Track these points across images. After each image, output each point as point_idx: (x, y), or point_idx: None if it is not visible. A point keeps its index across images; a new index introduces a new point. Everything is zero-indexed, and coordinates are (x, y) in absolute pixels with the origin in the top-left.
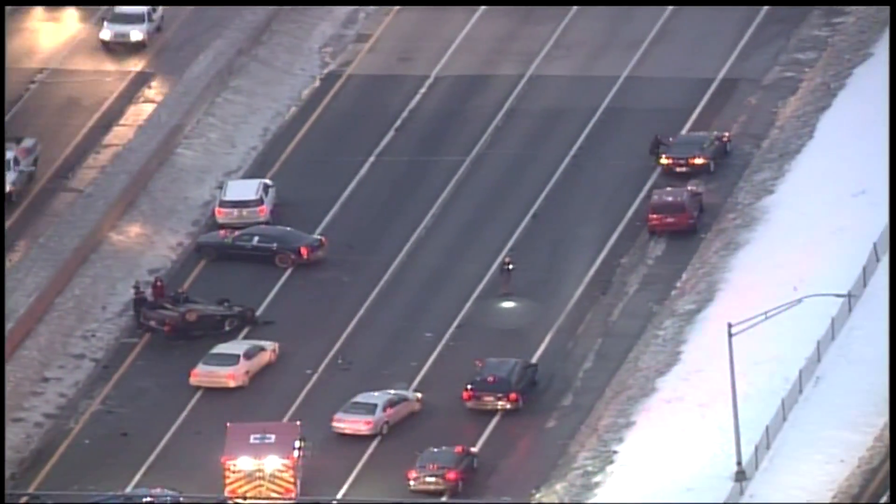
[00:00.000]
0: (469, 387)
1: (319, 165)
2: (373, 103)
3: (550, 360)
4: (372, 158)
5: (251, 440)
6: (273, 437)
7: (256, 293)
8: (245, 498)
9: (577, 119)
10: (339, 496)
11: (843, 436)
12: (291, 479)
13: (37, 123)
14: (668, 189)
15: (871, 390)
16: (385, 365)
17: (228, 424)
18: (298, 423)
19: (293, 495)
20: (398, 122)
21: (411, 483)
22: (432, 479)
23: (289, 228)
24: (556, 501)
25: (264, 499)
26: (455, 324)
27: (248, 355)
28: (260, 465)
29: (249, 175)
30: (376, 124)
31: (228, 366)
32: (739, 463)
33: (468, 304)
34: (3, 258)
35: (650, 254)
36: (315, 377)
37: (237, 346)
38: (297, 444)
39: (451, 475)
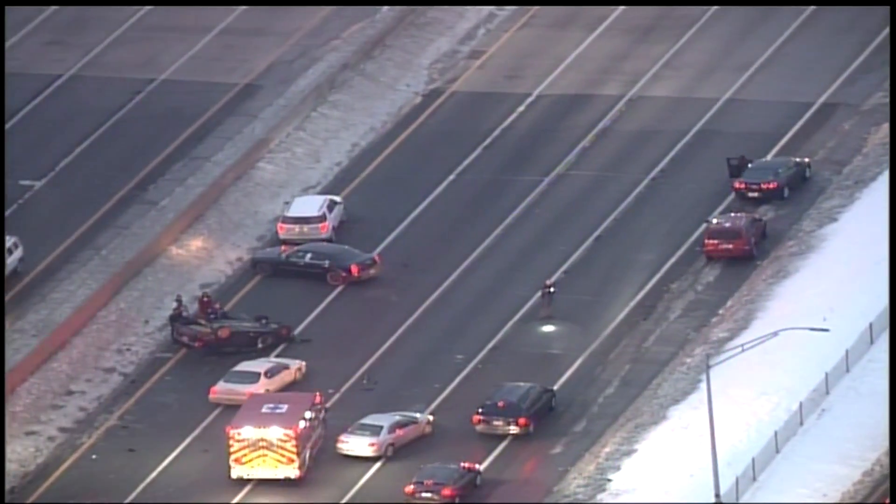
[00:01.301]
0: (479, 411)
1: (398, 182)
2: (468, 121)
3: (575, 385)
4: (452, 176)
5: (263, 409)
6: (285, 406)
7: (304, 310)
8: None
9: (666, 141)
10: None
11: (833, 470)
12: (294, 450)
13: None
14: (728, 215)
15: (872, 424)
16: (409, 386)
17: (250, 394)
18: (317, 393)
19: (296, 465)
20: (488, 141)
21: (407, 498)
22: (428, 495)
23: (345, 246)
24: None
25: (268, 468)
26: (489, 346)
27: (270, 373)
28: (263, 434)
29: (327, 191)
30: (466, 142)
31: (248, 384)
32: (717, 495)
33: (506, 327)
34: (3, 260)
35: (701, 280)
36: (336, 397)
37: (260, 364)
38: (307, 414)
39: (447, 491)
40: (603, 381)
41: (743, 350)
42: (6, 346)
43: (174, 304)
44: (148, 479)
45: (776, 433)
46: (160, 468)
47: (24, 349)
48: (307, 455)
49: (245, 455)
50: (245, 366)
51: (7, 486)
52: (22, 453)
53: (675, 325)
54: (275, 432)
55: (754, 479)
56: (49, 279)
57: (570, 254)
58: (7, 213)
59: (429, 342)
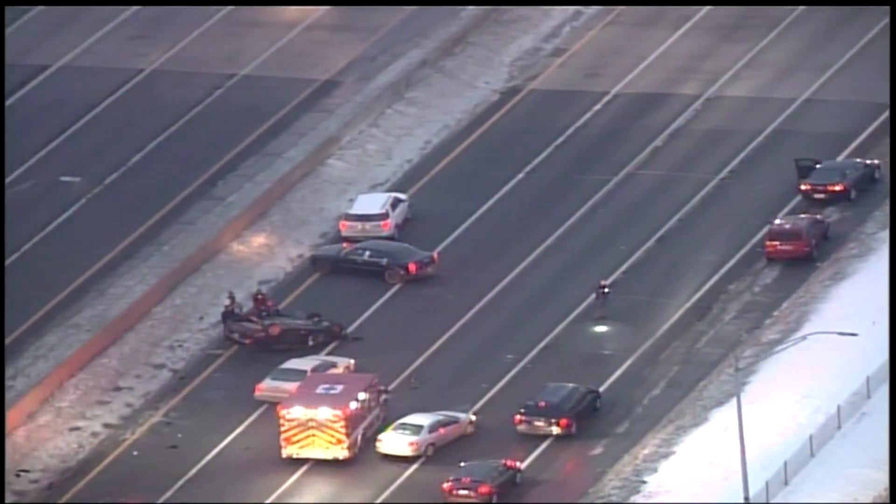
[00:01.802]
0: (521, 411)
1: (467, 180)
2: (544, 119)
3: (623, 386)
4: (521, 175)
5: (317, 390)
6: (340, 388)
7: (361, 308)
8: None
9: (738, 141)
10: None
11: (865, 474)
12: (343, 430)
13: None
14: (790, 216)
15: None
16: (456, 385)
17: (309, 372)
18: (373, 375)
19: (345, 445)
20: (560, 139)
21: (444, 495)
22: (465, 492)
23: (405, 244)
24: None
25: (317, 449)
26: (540, 346)
27: (317, 371)
28: (312, 414)
29: (395, 188)
30: (539, 140)
31: (294, 381)
32: (747, 498)
33: (559, 327)
34: (3, 258)
35: (759, 281)
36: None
37: (306, 362)
38: (360, 396)
39: (484, 489)
40: (650, 383)
41: (773, 353)
42: (59, 342)
43: (227, 301)
44: (187, 476)
45: (811, 437)
46: (200, 465)
47: (76, 344)
48: (359, 436)
49: (295, 435)
50: (292, 363)
51: (45, 482)
52: (65, 449)
53: (729, 326)
54: (324, 413)
55: (786, 482)
56: (109, 274)
57: (631, 254)
58: (74, 208)
59: (481, 341)
